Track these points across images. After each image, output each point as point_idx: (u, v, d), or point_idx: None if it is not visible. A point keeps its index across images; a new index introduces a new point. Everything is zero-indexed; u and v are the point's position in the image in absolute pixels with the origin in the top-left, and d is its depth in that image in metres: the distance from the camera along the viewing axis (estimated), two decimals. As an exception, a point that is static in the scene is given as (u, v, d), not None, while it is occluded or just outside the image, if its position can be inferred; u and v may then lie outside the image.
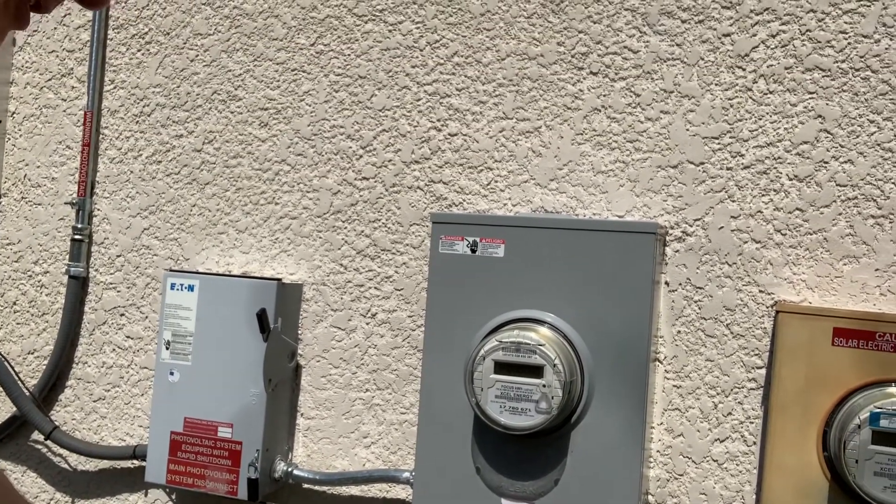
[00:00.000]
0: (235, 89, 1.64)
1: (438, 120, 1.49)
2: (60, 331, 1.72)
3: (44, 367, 1.74)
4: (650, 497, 1.35)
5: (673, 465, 1.34)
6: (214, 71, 1.66)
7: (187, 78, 1.67)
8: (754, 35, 1.32)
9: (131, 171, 1.71)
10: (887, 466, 1.08)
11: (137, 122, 1.71)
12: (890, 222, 1.25)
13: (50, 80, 1.78)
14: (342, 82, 1.56)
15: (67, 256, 1.73)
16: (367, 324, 1.52)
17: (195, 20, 1.67)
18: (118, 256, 1.71)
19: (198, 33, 1.67)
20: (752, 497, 1.30)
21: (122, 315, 1.71)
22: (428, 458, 1.33)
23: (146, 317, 1.68)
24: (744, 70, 1.32)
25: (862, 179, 1.26)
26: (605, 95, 1.39)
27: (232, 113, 1.64)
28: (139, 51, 1.71)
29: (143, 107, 1.71)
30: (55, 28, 1.79)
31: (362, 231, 1.53)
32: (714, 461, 1.32)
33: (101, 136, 1.74)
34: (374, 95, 1.54)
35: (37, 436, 1.76)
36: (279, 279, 1.50)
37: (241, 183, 1.63)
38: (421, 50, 1.51)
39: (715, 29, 1.34)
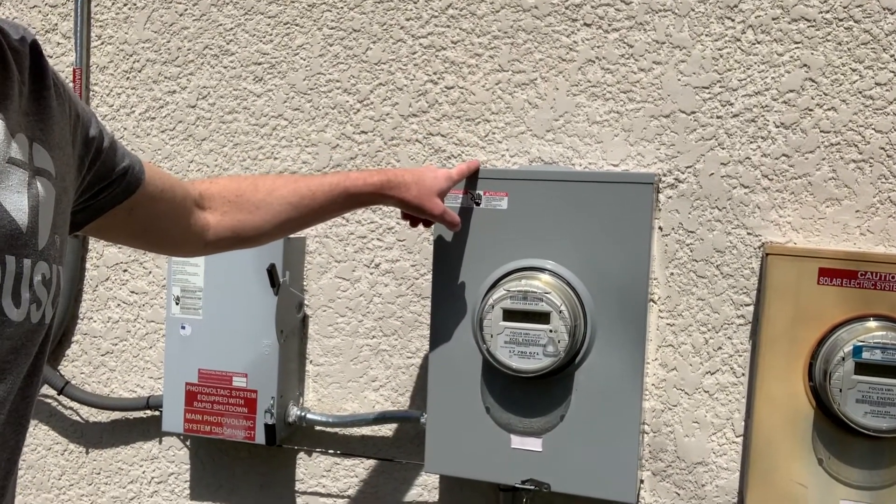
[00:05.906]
0: (227, 44, 1.64)
1: (434, 73, 1.52)
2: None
3: (49, 323, 1.77)
4: (646, 426, 1.45)
5: (667, 396, 1.44)
6: (205, 25, 1.65)
7: (177, 33, 1.67)
8: (743, -14, 1.36)
9: (125, 128, 1.72)
10: (868, 394, 1.18)
11: (128, 78, 1.71)
12: (870, 166, 1.32)
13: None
14: (336, 35, 1.57)
15: (65, 215, 1.74)
16: (371, 273, 1.58)
17: (182, -27, 1.66)
18: (117, 213, 1.72)
19: (185, -13, 1.66)
20: (740, 424, 1.40)
21: (124, 271, 1.74)
22: (439, 400, 1.41)
23: (150, 272, 1.72)
24: (733, 21, 1.37)
25: (844, 126, 1.33)
26: (598, 47, 1.43)
27: (225, 68, 1.64)
28: (125, 5, 1.70)
29: (133, 62, 1.70)
30: (34, -18, 1.76)
31: (363, 184, 1.57)
32: (705, 392, 1.42)
33: (91, 93, 1.73)
34: (370, 49, 1.55)
35: (46, 389, 1.80)
36: (284, 233, 1.54)
37: (238, 138, 1.64)
38: (415, 2, 1.52)
39: (705, -20, 1.38)
